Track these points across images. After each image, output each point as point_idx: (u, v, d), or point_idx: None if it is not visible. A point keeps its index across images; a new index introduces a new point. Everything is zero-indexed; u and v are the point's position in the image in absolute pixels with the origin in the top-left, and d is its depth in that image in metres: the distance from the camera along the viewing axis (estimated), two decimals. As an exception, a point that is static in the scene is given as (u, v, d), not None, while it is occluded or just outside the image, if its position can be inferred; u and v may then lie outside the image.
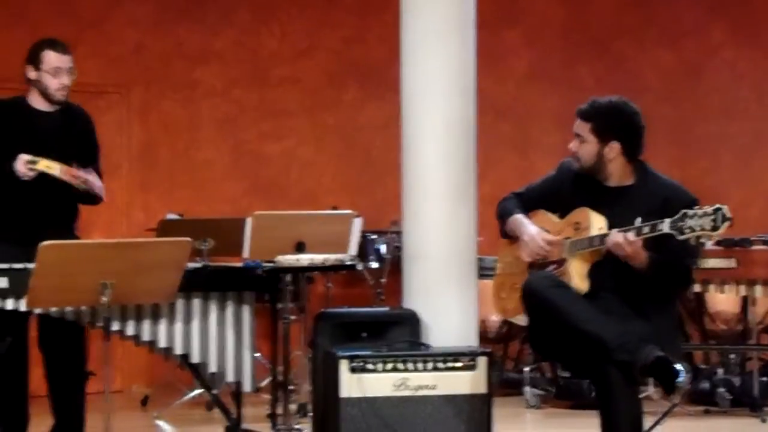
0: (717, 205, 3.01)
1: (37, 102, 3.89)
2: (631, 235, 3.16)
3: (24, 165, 3.71)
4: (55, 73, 3.81)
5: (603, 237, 3.24)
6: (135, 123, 6.50)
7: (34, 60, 3.83)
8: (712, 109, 7.28)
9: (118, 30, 6.43)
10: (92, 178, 3.88)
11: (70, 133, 3.92)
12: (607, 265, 3.27)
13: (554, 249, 3.37)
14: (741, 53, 7.32)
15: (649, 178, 3.37)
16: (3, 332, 3.79)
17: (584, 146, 3.37)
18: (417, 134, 4.32)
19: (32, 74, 3.84)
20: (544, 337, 3.32)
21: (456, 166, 4.29)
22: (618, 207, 3.30)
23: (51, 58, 3.82)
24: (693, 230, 3.01)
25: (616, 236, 3.17)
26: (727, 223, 2.98)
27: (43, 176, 3.75)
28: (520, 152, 6.84)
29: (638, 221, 3.18)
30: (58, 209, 3.86)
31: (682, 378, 3.08)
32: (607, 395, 3.18)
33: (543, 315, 3.24)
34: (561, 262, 3.33)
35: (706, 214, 3.01)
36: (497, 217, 3.62)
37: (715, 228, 2.99)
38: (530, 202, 3.55)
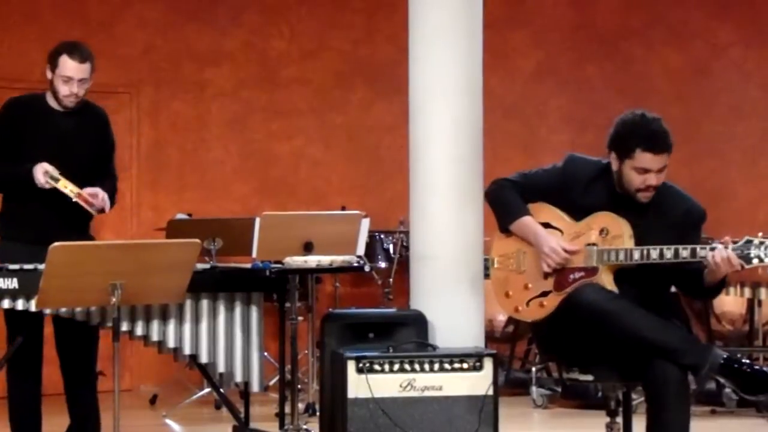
0: None
1: (53, 101, 3.88)
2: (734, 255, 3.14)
3: (44, 175, 3.73)
4: (66, 81, 3.79)
5: (631, 252, 3.21)
6: (144, 123, 6.53)
7: (52, 62, 3.82)
8: (720, 109, 7.27)
9: (128, 31, 6.46)
10: (99, 201, 3.85)
11: (85, 131, 3.92)
12: (627, 272, 3.26)
13: (575, 256, 3.33)
14: (749, 53, 7.30)
15: (664, 186, 3.34)
16: (16, 332, 3.81)
17: (664, 173, 3.32)
18: (425, 134, 4.33)
19: (48, 74, 3.85)
20: (585, 344, 3.28)
21: (463, 165, 4.30)
22: (642, 217, 3.28)
23: (65, 65, 3.77)
24: (761, 260, 3.08)
25: (724, 252, 3.13)
26: None
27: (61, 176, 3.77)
28: (528, 152, 6.84)
29: (733, 244, 3.16)
30: (72, 210, 3.85)
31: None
32: (662, 398, 3.14)
33: (596, 325, 3.20)
34: (590, 271, 3.29)
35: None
36: (494, 205, 3.52)
37: None
38: (530, 193, 3.46)
